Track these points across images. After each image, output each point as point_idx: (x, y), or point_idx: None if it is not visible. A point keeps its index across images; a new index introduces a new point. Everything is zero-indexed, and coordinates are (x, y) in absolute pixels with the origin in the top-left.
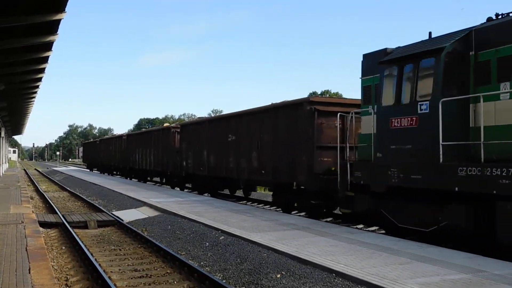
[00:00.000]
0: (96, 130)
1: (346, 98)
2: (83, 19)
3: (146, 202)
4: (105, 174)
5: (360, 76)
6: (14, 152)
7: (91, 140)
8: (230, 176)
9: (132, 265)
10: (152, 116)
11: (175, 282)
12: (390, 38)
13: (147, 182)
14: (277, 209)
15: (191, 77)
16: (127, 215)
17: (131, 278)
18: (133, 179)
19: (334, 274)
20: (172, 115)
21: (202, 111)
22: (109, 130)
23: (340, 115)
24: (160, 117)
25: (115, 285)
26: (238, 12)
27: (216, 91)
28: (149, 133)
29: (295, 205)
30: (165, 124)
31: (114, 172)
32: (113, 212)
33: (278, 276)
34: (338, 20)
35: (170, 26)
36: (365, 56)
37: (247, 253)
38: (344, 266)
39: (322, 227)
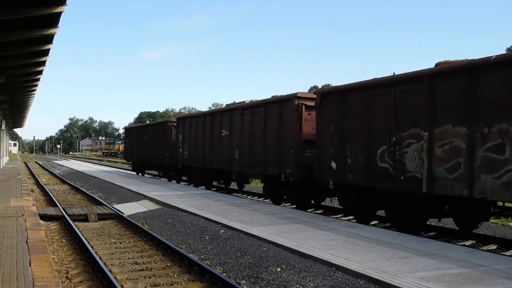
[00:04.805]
0: (97, 124)
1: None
2: (84, 11)
3: (147, 195)
4: (183, 184)
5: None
6: (14, 145)
7: (152, 121)
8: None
9: (132, 258)
10: (152, 110)
11: (175, 275)
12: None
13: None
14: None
15: (192, 70)
16: (128, 209)
17: (132, 271)
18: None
19: (334, 268)
20: (172, 109)
21: (203, 104)
22: (110, 123)
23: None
24: (161, 111)
25: (115, 278)
26: (239, 5)
27: (217, 83)
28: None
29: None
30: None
31: (215, 183)
32: (114, 206)
33: (278, 269)
34: (339, 17)
35: (170, 18)
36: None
37: (247, 247)
38: (344, 260)
39: (322, 221)
